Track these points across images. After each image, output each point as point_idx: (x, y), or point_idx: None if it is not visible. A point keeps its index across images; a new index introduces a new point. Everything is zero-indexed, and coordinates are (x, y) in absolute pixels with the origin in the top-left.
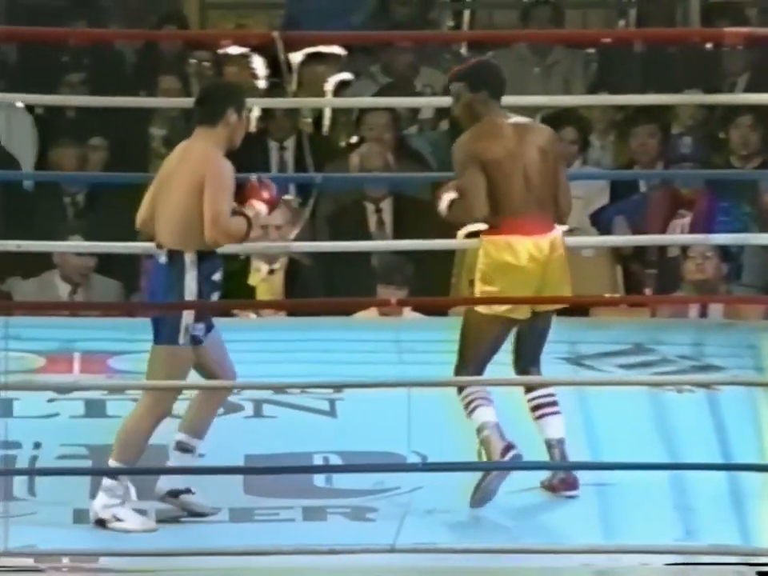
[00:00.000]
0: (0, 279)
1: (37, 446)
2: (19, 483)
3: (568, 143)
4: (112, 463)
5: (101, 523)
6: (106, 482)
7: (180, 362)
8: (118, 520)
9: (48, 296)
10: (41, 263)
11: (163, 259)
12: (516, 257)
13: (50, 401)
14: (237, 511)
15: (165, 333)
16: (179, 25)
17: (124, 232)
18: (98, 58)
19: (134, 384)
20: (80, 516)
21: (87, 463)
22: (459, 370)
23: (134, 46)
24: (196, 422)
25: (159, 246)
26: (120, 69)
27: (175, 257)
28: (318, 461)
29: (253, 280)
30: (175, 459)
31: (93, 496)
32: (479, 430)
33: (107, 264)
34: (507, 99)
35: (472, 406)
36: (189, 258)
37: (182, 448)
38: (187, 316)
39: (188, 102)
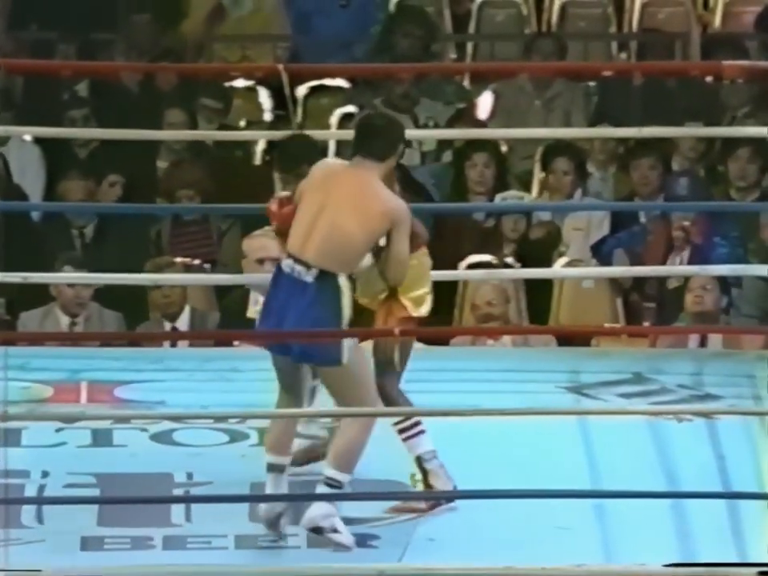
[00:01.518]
0: (10, 311)
1: (45, 474)
2: (27, 511)
3: (561, 174)
4: (332, 473)
5: (317, 531)
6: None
7: (357, 370)
8: (335, 531)
9: (52, 327)
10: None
11: (309, 278)
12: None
13: (58, 430)
14: (241, 538)
15: (330, 353)
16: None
17: (131, 264)
18: (102, 92)
19: (139, 414)
20: (86, 543)
21: (94, 492)
22: (391, 376)
23: (137, 79)
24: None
25: (302, 263)
26: (124, 102)
27: (325, 278)
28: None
29: (251, 312)
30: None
31: (101, 524)
32: (424, 458)
33: (110, 295)
34: (509, 131)
35: (417, 430)
36: (342, 281)
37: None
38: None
39: (194, 134)
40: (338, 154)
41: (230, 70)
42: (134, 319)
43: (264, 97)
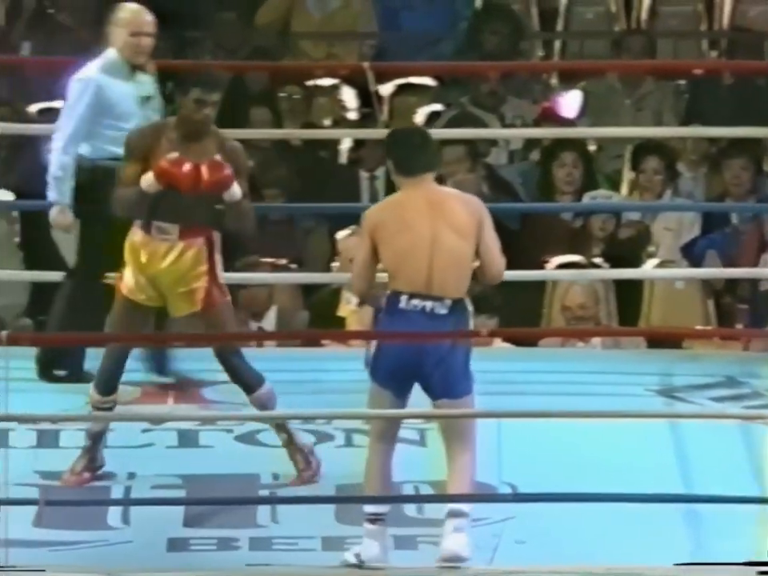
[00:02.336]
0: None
1: (131, 475)
2: (114, 513)
3: (651, 173)
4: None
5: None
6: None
7: None
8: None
9: None
10: None
11: (444, 311)
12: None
13: (145, 431)
14: (329, 540)
15: (468, 384)
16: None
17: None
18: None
19: (225, 415)
20: (173, 544)
21: (180, 493)
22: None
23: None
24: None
25: (432, 298)
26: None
27: (458, 306)
28: (408, 490)
29: (342, 311)
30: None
31: (187, 525)
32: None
33: None
34: (598, 130)
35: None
36: (468, 304)
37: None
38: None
39: (278, 133)
40: None
41: (315, 68)
42: None
43: (349, 95)
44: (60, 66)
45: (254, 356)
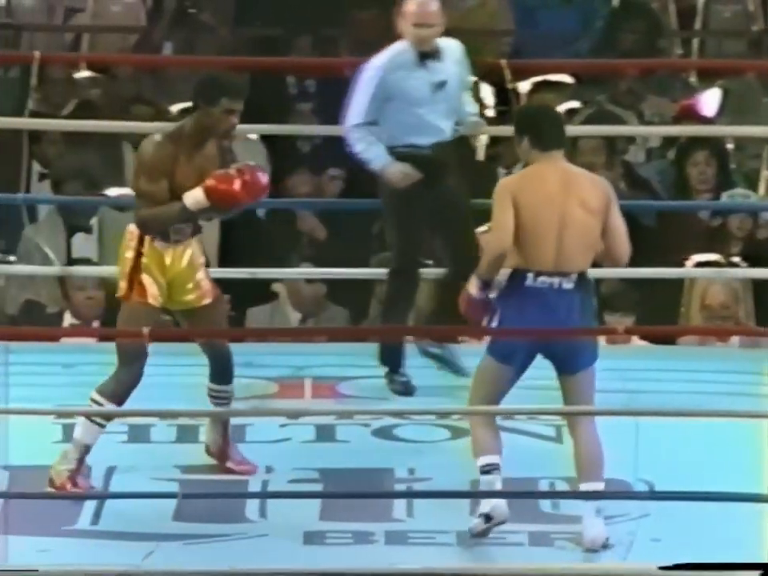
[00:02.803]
0: (236, 308)
1: (269, 469)
2: (251, 506)
3: None
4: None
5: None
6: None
7: None
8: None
9: (280, 323)
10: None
11: (570, 285)
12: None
13: (282, 426)
14: (464, 534)
15: (593, 355)
16: None
17: (356, 259)
18: (326, 88)
19: (362, 410)
20: (309, 538)
21: (317, 487)
22: None
23: None
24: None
25: (559, 275)
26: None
27: (583, 279)
28: (543, 486)
29: None
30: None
31: (323, 518)
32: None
33: (335, 292)
34: (735, 129)
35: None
36: (590, 278)
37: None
38: None
39: None
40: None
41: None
42: (358, 315)
43: (486, 92)
44: (201, 65)
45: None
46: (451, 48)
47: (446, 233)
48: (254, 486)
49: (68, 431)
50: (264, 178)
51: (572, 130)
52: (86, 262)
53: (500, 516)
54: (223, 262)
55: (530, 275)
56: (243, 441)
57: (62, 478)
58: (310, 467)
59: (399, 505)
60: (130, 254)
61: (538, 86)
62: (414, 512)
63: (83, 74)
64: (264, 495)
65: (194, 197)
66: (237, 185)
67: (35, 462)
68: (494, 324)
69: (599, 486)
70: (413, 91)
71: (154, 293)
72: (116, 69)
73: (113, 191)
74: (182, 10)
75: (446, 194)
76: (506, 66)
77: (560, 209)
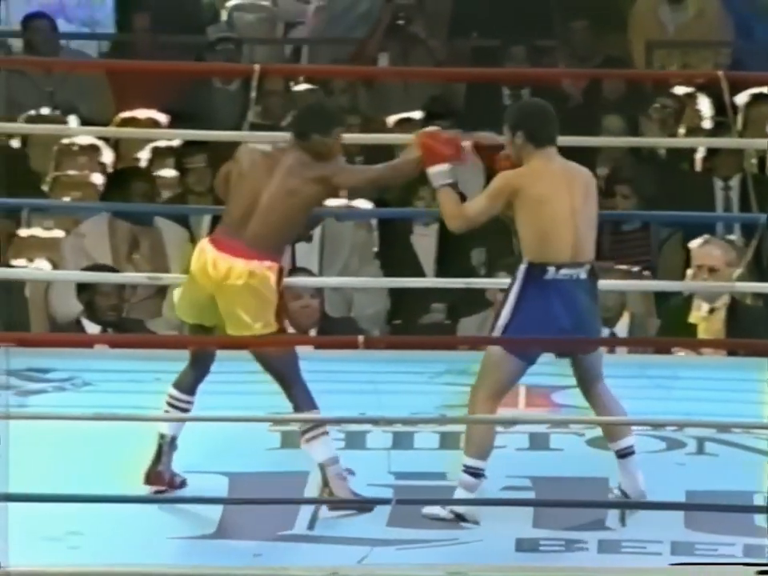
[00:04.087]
0: (450, 316)
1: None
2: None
3: None
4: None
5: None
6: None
7: None
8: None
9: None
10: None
11: (584, 275)
12: (195, 262)
13: (497, 434)
14: (678, 545)
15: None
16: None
17: None
18: (543, 97)
19: (573, 419)
20: (521, 544)
21: (530, 494)
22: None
23: (580, 86)
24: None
25: (577, 265)
26: (564, 108)
27: (592, 267)
28: (759, 501)
29: (693, 318)
30: None
31: (536, 526)
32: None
33: None
34: None
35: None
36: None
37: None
38: None
39: (629, 141)
40: None
41: (670, 77)
42: None
43: (704, 104)
44: (416, 76)
45: (608, 361)
46: None
47: None
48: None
49: (286, 438)
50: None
51: None
52: (304, 271)
53: (468, 515)
54: (439, 272)
55: (551, 269)
56: (458, 448)
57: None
58: (523, 475)
59: (612, 514)
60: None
61: (755, 99)
62: (627, 521)
63: (301, 86)
64: (477, 502)
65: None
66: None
67: (252, 469)
68: (514, 320)
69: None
70: None
71: None
72: (332, 81)
73: (332, 202)
74: (395, 22)
75: None
76: (723, 77)
77: (569, 201)
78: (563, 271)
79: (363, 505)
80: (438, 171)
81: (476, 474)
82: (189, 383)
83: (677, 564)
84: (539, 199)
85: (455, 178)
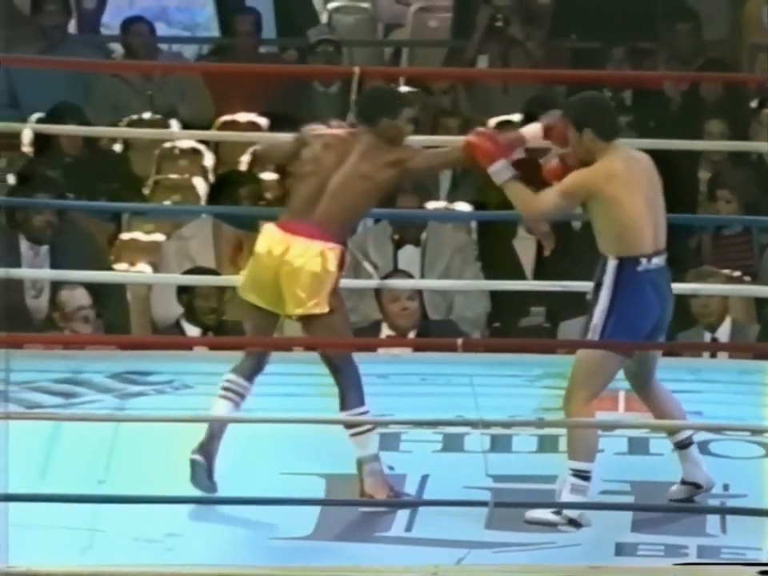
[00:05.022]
0: (550, 320)
1: None
2: None
3: None
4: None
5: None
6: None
7: None
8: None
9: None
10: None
11: (664, 261)
12: (259, 243)
13: None
14: None
15: None
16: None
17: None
18: (644, 101)
19: (675, 424)
20: (621, 548)
21: (629, 498)
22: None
23: (680, 89)
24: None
25: (661, 253)
26: (667, 111)
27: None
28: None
29: None
30: None
31: (635, 530)
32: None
33: None
34: None
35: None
36: None
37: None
38: None
39: (732, 145)
40: None
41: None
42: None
43: None
44: (516, 78)
45: (706, 366)
46: None
47: None
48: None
49: (384, 440)
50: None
51: None
52: (404, 274)
53: (586, 523)
54: (537, 275)
55: (644, 260)
56: (556, 451)
57: (375, 488)
58: (622, 479)
59: (713, 520)
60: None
61: None
62: (728, 528)
63: (402, 88)
64: (575, 506)
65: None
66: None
67: (348, 471)
68: (612, 317)
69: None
70: None
71: None
72: (432, 83)
73: (431, 205)
74: (494, 23)
75: None
76: None
77: (648, 193)
78: (654, 260)
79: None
80: (498, 168)
81: (584, 476)
82: (247, 370)
83: (679, 564)
84: (616, 198)
85: (514, 172)
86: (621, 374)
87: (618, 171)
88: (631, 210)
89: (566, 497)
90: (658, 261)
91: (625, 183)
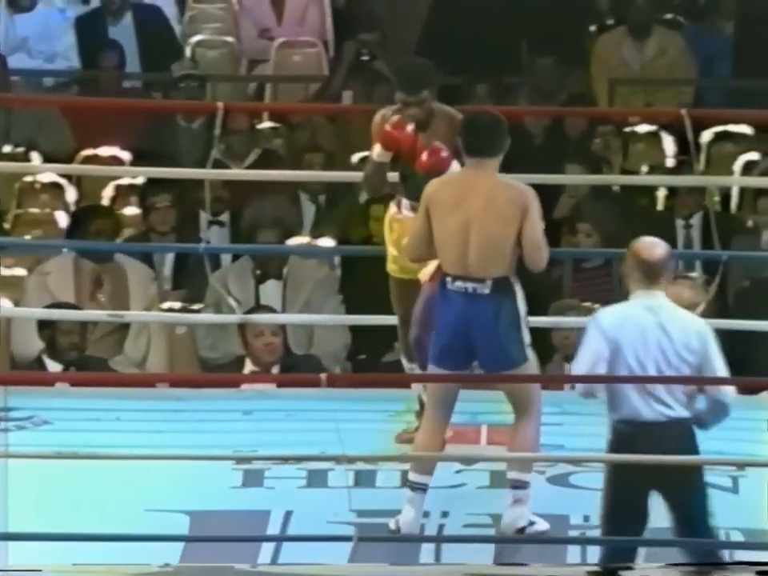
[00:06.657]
0: None
1: (444, 514)
2: (426, 550)
3: None
4: (516, 475)
5: (520, 531)
6: (519, 492)
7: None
8: (532, 524)
9: None
10: None
11: (486, 290)
12: None
13: (458, 472)
14: None
15: (520, 353)
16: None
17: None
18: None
19: (538, 456)
20: None
21: (490, 531)
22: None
23: (542, 124)
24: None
25: (474, 280)
26: (528, 146)
27: (500, 285)
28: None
29: None
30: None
31: (496, 561)
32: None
33: None
34: None
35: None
36: (514, 282)
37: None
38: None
39: (593, 179)
40: (741, 200)
41: (632, 114)
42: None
43: (668, 142)
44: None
45: (566, 398)
46: None
47: None
48: (430, 529)
49: (248, 477)
50: (442, 153)
51: (751, 181)
52: (267, 309)
53: (405, 528)
54: None
55: (449, 279)
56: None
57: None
58: (483, 512)
59: (573, 550)
60: None
61: (718, 137)
62: (588, 559)
63: (265, 124)
64: (438, 540)
65: (375, 148)
66: (408, 131)
67: (214, 507)
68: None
69: (528, 477)
70: None
71: (389, 263)
72: (295, 118)
73: (294, 240)
74: (359, 59)
75: None
76: (686, 115)
77: (467, 217)
78: (457, 283)
79: None
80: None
81: (420, 489)
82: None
83: (676, 564)
84: (446, 208)
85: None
86: (485, 407)
87: (449, 187)
88: (444, 226)
89: (405, 508)
90: (464, 285)
91: (450, 200)
